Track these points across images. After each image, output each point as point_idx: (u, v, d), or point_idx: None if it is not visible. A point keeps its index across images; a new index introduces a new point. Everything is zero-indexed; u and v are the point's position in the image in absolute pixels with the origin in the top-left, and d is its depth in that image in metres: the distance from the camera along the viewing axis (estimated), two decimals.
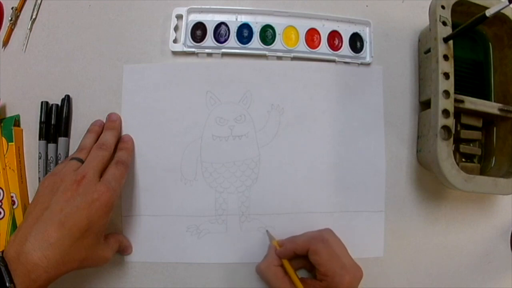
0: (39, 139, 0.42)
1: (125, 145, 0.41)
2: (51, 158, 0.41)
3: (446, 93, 0.37)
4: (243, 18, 0.44)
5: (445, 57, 0.38)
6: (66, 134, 0.42)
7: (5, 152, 0.41)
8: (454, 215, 0.45)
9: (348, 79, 0.44)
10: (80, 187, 0.33)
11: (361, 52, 0.44)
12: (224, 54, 0.43)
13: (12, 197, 0.41)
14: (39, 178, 0.42)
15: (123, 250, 0.41)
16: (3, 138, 0.42)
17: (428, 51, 0.43)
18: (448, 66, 0.38)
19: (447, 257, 0.45)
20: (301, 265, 0.40)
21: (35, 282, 0.30)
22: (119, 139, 0.41)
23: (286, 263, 0.38)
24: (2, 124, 0.42)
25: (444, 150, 0.37)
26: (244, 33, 0.43)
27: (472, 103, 0.41)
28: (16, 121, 0.43)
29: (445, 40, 0.38)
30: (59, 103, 0.43)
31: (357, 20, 0.45)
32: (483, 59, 0.46)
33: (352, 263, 0.37)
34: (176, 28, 0.43)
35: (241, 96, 0.43)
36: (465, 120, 0.42)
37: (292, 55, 0.44)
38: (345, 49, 0.44)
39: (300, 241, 0.38)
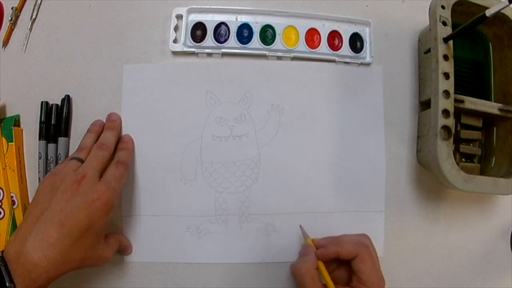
0: (39, 139, 0.42)
1: (125, 145, 0.41)
2: (51, 158, 0.41)
3: (446, 93, 0.37)
4: (243, 18, 0.44)
5: (445, 57, 0.38)
6: (66, 134, 0.42)
7: (5, 152, 0.41)
8: (454, 215, 0.45)
9: (348, 79, 0.44)
10: (80, 187, 0.33)
11: (361, 52, 0.44)
12: (224, 54, 0.43)
13: (12, 197, 0.41)
14: (39, 178, 0.42)
15: (123, 250, 0.41)
16: (3, 138, 0.42)
17: (428, 51, 0.43)
18: (448, 66, 0.38)
19: (447, 257, 0.45)
20: (334, 268, 0.38)
21: (35, 282, 0.30)
22: (119, 139, 0.41)
23: (322, 266, 0.36)
24: (2, 124, 0.42)
25: (444, 150, 0.37)
26: (244, 33, 0.43)
27: (472, 103, 0.41)
28: (16, 121, 0.43)
29: (445, 40, 0.38)
30: (59, 103, 0.43)
31: (357, 20, 0.45)
32: (483, 59, 0.46)
33: (381, 273, 0.36)
34: (176, 28, 0.43)
35: (241, 96, 0.43)
36: (465, 120, 0.42)
37: (292, 55, 0.44)
38: (345, 49, 0.44)
39: (347, 245, 0.36)
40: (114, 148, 0.40)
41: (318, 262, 0.37)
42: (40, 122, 0.42)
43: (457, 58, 0.38)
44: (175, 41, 0.43)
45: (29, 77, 0.44)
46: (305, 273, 0.36)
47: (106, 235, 0.37)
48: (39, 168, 0.42)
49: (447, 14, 0.39)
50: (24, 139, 0.43)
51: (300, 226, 0.41)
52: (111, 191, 0.34)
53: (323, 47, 0.44)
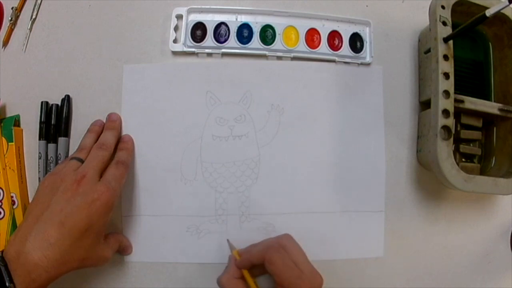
0: (39, 139, 0.42)
1: (125, 145, 0.41)
2: (51, 158, 0.41)
3: (446, 93, 0.37)
4: (243, 18, 0.44)
5: (445, 57, 0.38)
6: (66, 134, 0.42)
7: (5, 152, 0.41)
8: (454, 215, 0.45)
9: (348, 79, 0.44)
10: (80, 187, 0.33)
11: (361, 52, 0.44)
12: (224, 54, 0.43)
13: (12, 197, 0.41)
14: (39, 178, 0.42)
15: (123, 250, 0.41)
16: (3, 138, 0.42)
17: (428, 51, 0.43)
18: (448, 66, 0.38)
19: (447, 257, 0.45)
20: (263, 272, 0.38)
21: (35, 282, 0.30)
22: (119, 139, 0.41)
23: (246, 274, 0.37)
24: (2, 124, 0.42)
25: (444, 150, 0.37)
26: (244, 33, 0.43)
27: (472, 103, 0.41)
28: (16, 121, 0.43)
29: (445, 40, 0.38)
30: (59, 103, 0.43)
31: (357, 20, 0.45)
32: (483, 59, 0.46)
33: (310, 270, 0.35)
34: (176, 28, 0.43)
35: (241, 96, 0.43)
36: (465, 120, 0.42)
37: (292, 55, 0.44)
38: (345, 49, 0.44)
39: (255, 251, 0.37)
40: (114, 148, 0.40)
41: (243, 271, 0.37)
42: (40, 122, 0.42)
43: (457, 58, 0.38)
44: (175, 41, 0.43)
45: (29, 77, 0.44)
46: (225, 283, 0.37)
47: (106, 235, 0.37)
48: (39, 168, 0.42)
49: (447, 14, 0.39)
50: (24, 139, 0.43)
51: (228, 240, 0.41)
52: (111, 191, 0.34)
53: (323, 47, 0.44)
